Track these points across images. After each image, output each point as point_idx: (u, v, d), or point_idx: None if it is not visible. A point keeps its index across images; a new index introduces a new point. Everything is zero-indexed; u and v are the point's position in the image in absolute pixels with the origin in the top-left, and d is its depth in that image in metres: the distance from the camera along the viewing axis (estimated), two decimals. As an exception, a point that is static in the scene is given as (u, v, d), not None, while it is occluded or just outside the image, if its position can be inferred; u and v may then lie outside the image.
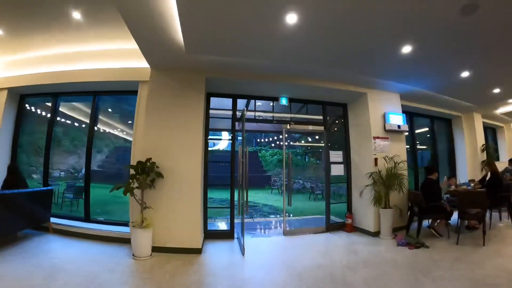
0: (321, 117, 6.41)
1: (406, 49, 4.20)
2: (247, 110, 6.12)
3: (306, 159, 21.66)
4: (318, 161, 20.81)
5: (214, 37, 3.85)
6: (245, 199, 4.79)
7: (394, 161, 5.71)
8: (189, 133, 4.81)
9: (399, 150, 6.10)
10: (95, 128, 6.24)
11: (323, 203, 9.35)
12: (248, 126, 7.53)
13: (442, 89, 6.33)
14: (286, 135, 6.13)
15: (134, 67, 5.28)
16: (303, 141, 20.29)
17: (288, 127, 5.98)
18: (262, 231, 6.44)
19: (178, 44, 4.08)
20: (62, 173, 7.58)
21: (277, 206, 10.89)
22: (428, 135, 8.96)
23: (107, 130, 7.33)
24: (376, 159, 5.78)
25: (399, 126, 6.18)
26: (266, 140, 30.45)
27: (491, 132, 10.95)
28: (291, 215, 8.15)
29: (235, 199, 5.57)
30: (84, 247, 4.72)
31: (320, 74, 5.22)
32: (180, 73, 4.99)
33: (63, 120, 6.79)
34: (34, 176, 6.68)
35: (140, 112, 5.16)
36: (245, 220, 7.54)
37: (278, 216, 8.25)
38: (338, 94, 6.01)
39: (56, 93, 6.26)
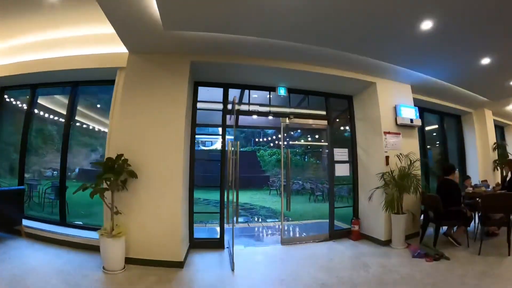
0: (323, 112, 5.70)
1: (426, 25, 3.49)
2: (242, 103, 5.43)
3: (306, 159, 21.10)
4: (318, 161, 20.35)
5: (195, 7, 3.13)
6: (235, 203, 4.06)
7: (409, 159, 5.01)
8: (170, 127, 4.10)
9: (412, 147, 5.40)
10: (91, 124, 5.79)
11: (324, 205, 8.71)
12: (243, 121, 6.87)
13: (458, 78, 5.61)
14: (285, 131, 5.41)
15: (112, 52, 4.59)
16: (302, 140, 19.65)
17: (287, 121, 5.26)
18: (257, 238, 5.72)
19: (155, 20, 3.37)
20: (55, 172, 6.99)
21: (275, 208, 10.18)
22: (434, 134, 8.39)
23: (102, 129, 6.73)
24: (387, 158, 5.07)
25: (411, 120, 5.49)
26: (265, 139, 30.05)
27: (499, 131, 10.32)
28: (290, 219, 7.44)
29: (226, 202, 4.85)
30: (55, 255, 4.10)
31: (323, 58, 4.48)
32: (162, 57, 4.30)
33: (49, 115, 6.30)
34: (27, 175, 6.03)
35: (116, 102, 4.48)
36: (240, 225, 6.98)
37: (276, 220, 7.49)
38: (344, 84, 5.30)
39: (34, 84, 5.65)
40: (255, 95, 5.81)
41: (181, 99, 4.18)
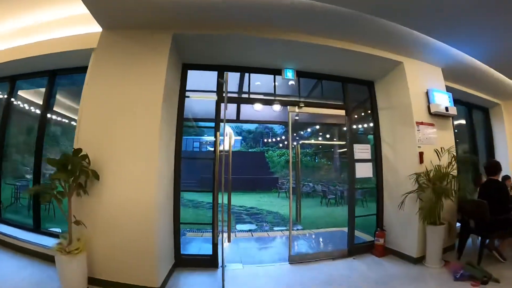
0: (340, 102, 4.73)
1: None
2: (242, 92, 4.53)
3: (316, 160, 20.12)
4: (329, 162, 19.37)
5: None
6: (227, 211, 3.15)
7: (452, 154, 4.02)
8: (143, 117, 3.21)
9: (447, 141, 4.38)
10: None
11: (337, 210, 7.89)
12: (245, 114, 6.02)
13: (500, 59, 4.57)
14: (294, 125, 4.44)
15: (87, 32, 3.76)
16: (313, 140, 18.69)
17: (296, 110, 4.30)
18: (261, 253, 4.73)
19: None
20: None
21: (283, 214, 9.18)
22: (456, 130, 7.21)
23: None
24: (421, 154, 4.08)
25: (447, 109, 4.49)
26: (274, 140, 29.31)
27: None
28: (300, 227, 6.44)
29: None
30: (21, 266, 3.51)
31: (339, 25, 3.53)
32: (138, 32, 3.46)
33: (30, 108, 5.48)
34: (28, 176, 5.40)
35: (85, 88, 3.63)
36: (242, 235, 5.89)
37: (284, 228, 6.42)
38: (364, 65, 4.34)
39: (13, 76, 4.97)
40: (258, 82, 4.91)
41: (158, 82, 3.29)
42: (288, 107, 4.27)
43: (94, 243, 3.07)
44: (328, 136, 19.18)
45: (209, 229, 5.73)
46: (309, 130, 20.55)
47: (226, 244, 3.11)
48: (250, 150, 29.66)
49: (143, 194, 3.05)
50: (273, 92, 4.60)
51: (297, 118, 6.96)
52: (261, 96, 4.75)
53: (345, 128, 4.68)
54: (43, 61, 4.24)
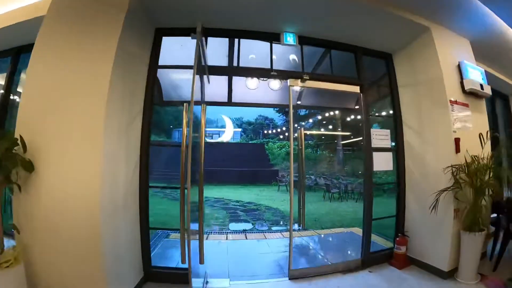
0: (354, 77, 3.83)
1: None
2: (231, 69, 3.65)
3: (318, 152, 19.34)
4: (331, 154, 18.60)
5: None
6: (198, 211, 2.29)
7: (499, 139, 3.22)
8: (89, 93, 2.34)
9: (480, 126, 3.52)
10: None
11: (341, 205, 7.13)
12: (238, 97, 5.16)
13: None
14: (296, 105, 3.58)
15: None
16: (314, 131, 17.88)
17: (299, 83, 3.40)
18: (254, 263, 3.82)
19: None
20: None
21: (283, 210, 8.35)
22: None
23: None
24: (457, 141, 3.21)
25: (482, 87, 3.63)
26: (274, 131, 28.74)
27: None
28: (301, 226, 5.58)
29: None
30: None
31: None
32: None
33: None
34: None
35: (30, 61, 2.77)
36: (235, 237, 4.94)
37: (284, 230, 5.44)
38: (383, 29, 3.46)
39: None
40: (252, 55, 4.04)
41: (109, 49, 2.40)
42: (288, 81, 3.36)
43: (35, 250, 2.25)
44: (330, 126, 18.40)
45: (205, 230, 4.94)
46: (310, 120, 19.73)
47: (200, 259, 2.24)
48: (250, 142, 28.97)
49: (87, 189, 2.21)
50: (270, 68, 3.70)
51: (299, 102, 6.09)
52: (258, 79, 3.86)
53: (356, 117, 3.81)
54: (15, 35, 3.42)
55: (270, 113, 32.62)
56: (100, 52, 2.40)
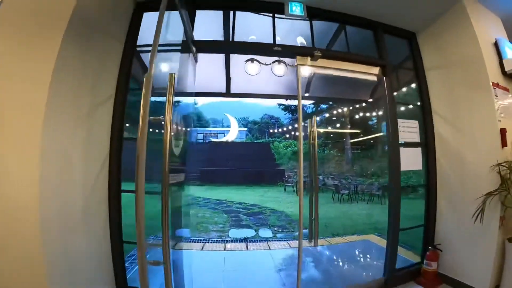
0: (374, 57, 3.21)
1: None
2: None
3: (325, 151, 18.68)
4: (339, 154, 17.96)
5: None
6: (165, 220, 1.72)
7: None
8: (24, 71, 1.76)
9: None
10: None
11: (352, 208, 6.64)
12: (238, 86, 4.69)
13: None
14: (306, 87, 2.99)
15: None
16: (321, 129, 17.25)
17: (308, 61, 2.78)
18: (253, 285, 3.15)
19: None
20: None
21: (290, 214, 7.72)
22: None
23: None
24: (503, 132, 2.59)
25: (522, 68, 3.02)
26: (280, 130, 28.30)
27: None
28: (313, 243, 4.90)
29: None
30: None
31: None
32: None
33: None
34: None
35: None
36: (234, 247, 4.30)
37: (291, 238, 4.85)
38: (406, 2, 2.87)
39: None
40: (253, 36, 3.47)
41: (64, 12, 1.87)
42: (296, 58, 2.76)
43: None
44: (338, 125, 17.78)
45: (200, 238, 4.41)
46: (318, 118, 19.09)
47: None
48: (255, 141, 28.50)
49: (23, 202, 1.67)
50: (272, 43, 3.12)
51: (306, 94, 5.49)
52: (256, 56, 3.30)
53: (365, 114, 3.21)
54: None
55: (276, 111, 31.97)
56: (48, 16, 1.84)
